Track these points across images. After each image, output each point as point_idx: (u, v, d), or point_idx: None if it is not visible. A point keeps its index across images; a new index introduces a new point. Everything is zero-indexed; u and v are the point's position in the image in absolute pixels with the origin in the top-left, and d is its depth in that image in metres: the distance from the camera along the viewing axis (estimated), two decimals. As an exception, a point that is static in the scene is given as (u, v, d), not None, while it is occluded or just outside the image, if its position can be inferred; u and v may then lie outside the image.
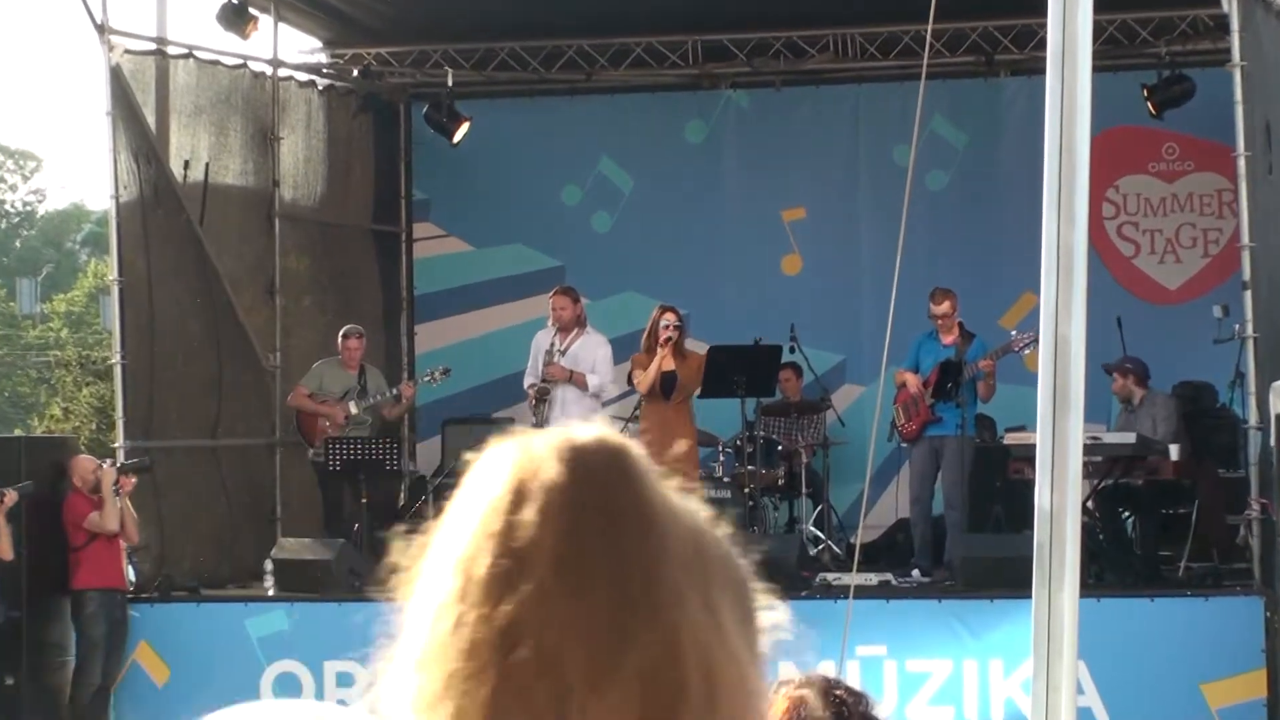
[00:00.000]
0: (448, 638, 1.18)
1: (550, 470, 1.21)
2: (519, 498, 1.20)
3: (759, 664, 1.24)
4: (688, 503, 1.25)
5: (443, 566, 1.22)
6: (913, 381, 12.31)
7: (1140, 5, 13.56)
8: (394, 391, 13.43)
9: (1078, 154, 3.13)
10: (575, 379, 12.65)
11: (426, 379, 13.62)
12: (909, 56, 14.06)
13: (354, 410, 13.19)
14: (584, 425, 1.25)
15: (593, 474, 1.21)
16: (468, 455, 1.27)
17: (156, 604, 11.87)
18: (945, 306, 12.28)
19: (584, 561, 1.18)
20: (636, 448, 1.24)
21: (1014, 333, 12.39)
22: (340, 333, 13.41)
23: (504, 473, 1.22)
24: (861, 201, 14.95)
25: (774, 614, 1.26)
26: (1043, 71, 3.20)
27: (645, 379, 12.33)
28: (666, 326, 12.38)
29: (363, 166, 15.35)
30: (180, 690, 11.53)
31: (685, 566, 1.21)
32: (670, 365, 12.37)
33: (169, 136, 13.24)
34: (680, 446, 12.68)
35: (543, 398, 12.67)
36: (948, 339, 12.34)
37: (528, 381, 12.91)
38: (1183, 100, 13.79)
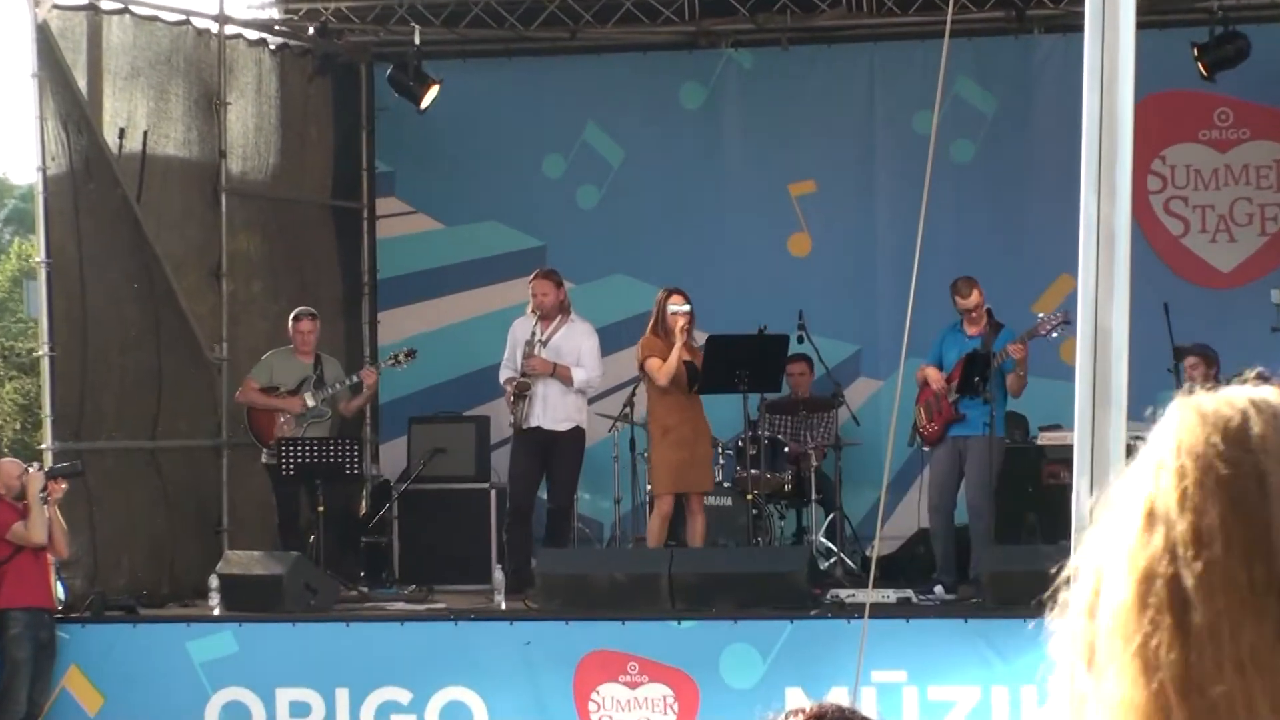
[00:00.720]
0: (1216, 577, 1.34)
1: (1258, 426, 1.39)
2: (1233, 446, 1.37)
3: None
4: None
5: (1144, 506, 1.42)
6: (935, 377, 12.28)
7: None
8: (354, 379, 13.42)
9: (1120, 121, 3.13)
10: (559, 372, 12.64)
11: (390, 362, 13.62)
12: (931, 11, 14.05)
13: (310, 402, 13.19)
14: (1258, 386, 1.43)
15: None
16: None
17: (88, 624, 11.86)
18: (975, 297, 12.23)
19: None
20: None
21: (1041, 315, 12.34)
22: (291, 315, 13.42)
23: (1204, 422, 1.40)
24: (878, 174, 14.96)
25: None
26: (1080, 28, 3.20)
27: (668, 368, 12.29)
28: (677, 314, 12.36)
29: (320, 135, 15.34)
30: (115, 721, 11.54)
31: None
32: (686, 355, 12.36)
33: (102, 102, 13.21)
34: (706, 443, 12.71)
35: (522, 393, 12.66)
36: (973, 330, 12.31)
37: (504, 375, 12.90)
38: (1237, 60, 13.81)
